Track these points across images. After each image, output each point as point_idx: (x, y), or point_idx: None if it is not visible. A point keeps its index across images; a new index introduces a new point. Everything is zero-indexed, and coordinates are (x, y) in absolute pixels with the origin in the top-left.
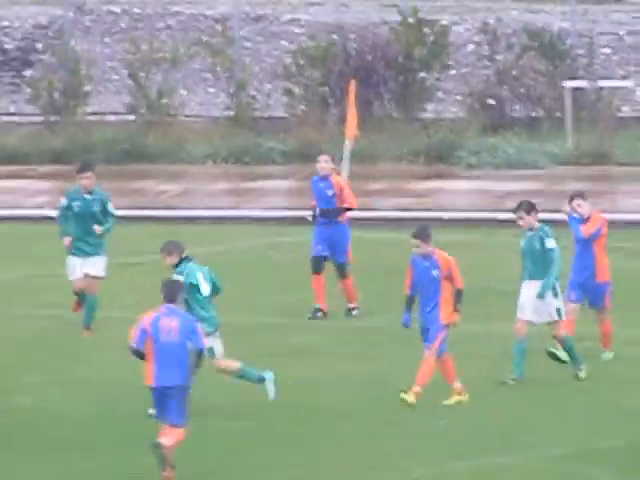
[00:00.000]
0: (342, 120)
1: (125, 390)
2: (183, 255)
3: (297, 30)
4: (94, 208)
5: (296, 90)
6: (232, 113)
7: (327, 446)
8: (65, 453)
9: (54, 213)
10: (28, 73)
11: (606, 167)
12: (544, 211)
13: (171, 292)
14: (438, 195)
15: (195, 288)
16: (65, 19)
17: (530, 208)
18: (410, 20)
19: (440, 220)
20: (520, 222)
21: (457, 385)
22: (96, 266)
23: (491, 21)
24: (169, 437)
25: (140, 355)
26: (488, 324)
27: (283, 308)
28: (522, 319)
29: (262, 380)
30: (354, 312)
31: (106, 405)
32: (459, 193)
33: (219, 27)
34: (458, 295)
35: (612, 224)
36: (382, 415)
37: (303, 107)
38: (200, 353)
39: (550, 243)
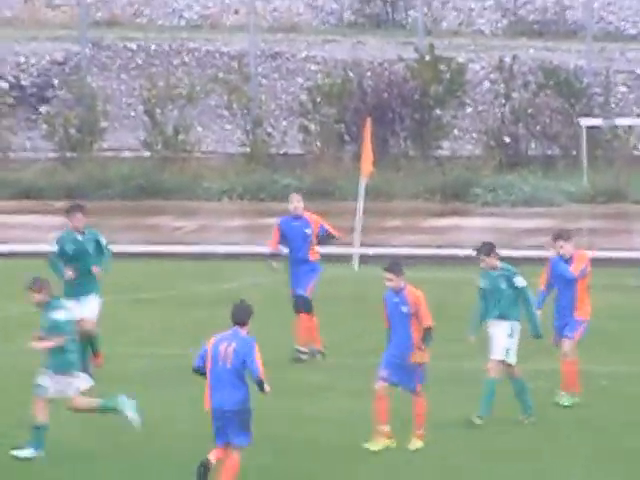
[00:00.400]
0: (358, 157)
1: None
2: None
3: (313, 67)
4: (89, 247)
5: (312, 127)
6: (248, 150)
7: None
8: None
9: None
10: (44, 109)
11: (622, 205)
12: None
13: (239, 315)
14: (454, 232)
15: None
16: (82, 55)
17: (490, 249)
18: (426, 57)
19: (455, 258)
20: (482, 264)
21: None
22: (91, 306)
23: (507, 59)
24: (227, 467)
25: (200, 374)
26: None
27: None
28: (494, 359)
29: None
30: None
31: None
32: (475, 230)
33: (235, 64)
34: (426, 333)
35: (628, 262)
36: (397, 454)
37: (319, 144)
38: (256, 378)
39: (519, 281)
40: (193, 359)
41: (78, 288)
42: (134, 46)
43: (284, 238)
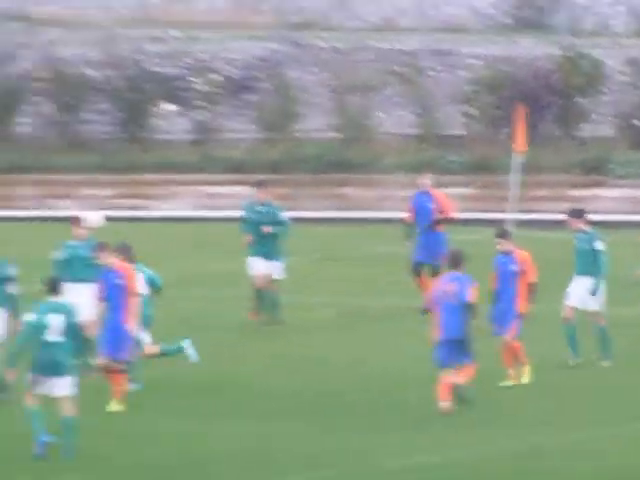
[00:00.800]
0: (512, 137)
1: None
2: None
3: (474, 62)
4: (266, 219)
5: (473, 112)
6: (420, 131)
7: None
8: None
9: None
10: (249, 97)
11: None
12: None
13: (454, 260)
14: (593, 201)
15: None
16: (281, 52)
17: (579, 214)
18: (569, 54)
19: (595, 223)
20: (572, 227)
21: (515, 371)
22: (276, 269)
23: (637, 55)
24: (461, 375)
25: (428, 312)
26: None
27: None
28: (569, 305)
29: (181, 350)
30: None
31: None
32: (611, 200)
33: (409, 59)
34: (531, 288)
35: None
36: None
37: (479, 126)
38: (468, 306)
39: (598, 245)
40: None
41: (261, 249)
42: (324, 44)
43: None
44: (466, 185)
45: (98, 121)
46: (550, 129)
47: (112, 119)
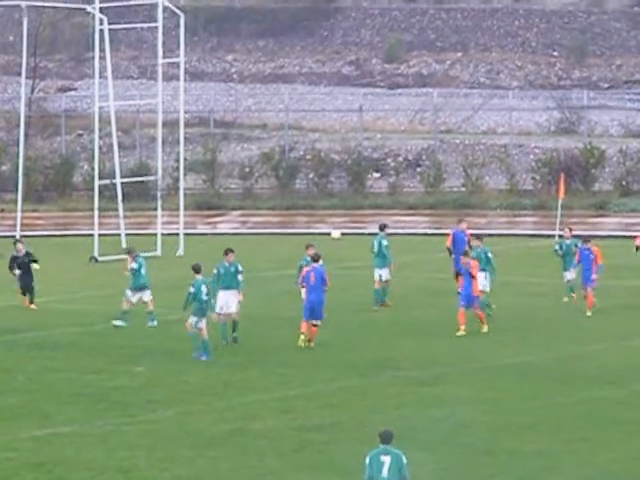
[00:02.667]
0: (557, 191)
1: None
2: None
3: (538, 151)
4: None
5: (538, 177)
6: (509, 187)
7: None
8: None
9: None
10: (419, 169)
11: None
12: None
13: None
14: (599, 225)
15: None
16: (434, 146)
17: (478, 236)
18: (587, 147)
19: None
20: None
21: None
22: None
23: (624, 148)
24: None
25: None
26: None
27: None
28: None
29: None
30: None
31: None
32: (610, 224)
33: (502, 149)
34: (599, 267)
35: None
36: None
37: (542, 185)
38: None
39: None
40: None
41: None
42: (458, 141)
43: None
44: (533, 216)
45: (337, 182)
46: (577, 186)
47: (345, 182)
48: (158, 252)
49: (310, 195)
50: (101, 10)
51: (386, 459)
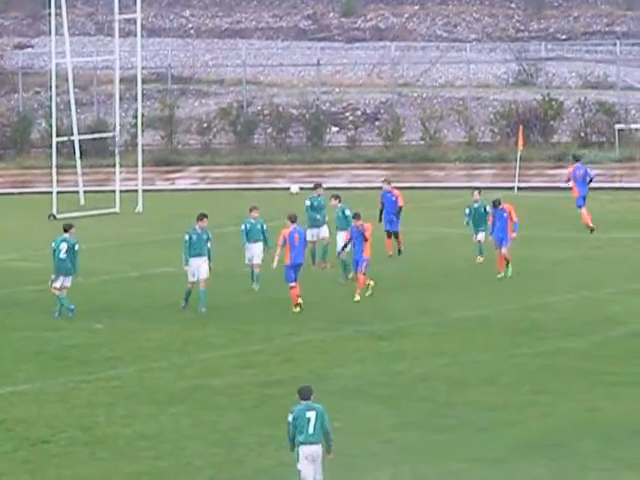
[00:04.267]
0: (516, 142)
1: None
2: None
3: (496, 103)
4: None
5: (496, 129)
6: (467, 140)
7: None
8: None
9: None
10: (377, 123)
11: None
12: None
13: None
14: (558, 176)
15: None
16: (392, 99)
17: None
18: (546, 99)
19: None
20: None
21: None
22: None
23: (582, 99)
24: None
25: None
26: None
27: None
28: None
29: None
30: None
31: None
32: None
33: (461, 102)
34: (515, 225)
35: None
36: None
37: (499, 137)
38: None
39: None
40: None
41: None
42: (415, 94)
43: None
44: (492, 168)
45: (296, 137)
46: (536, 138)
47: (303, 136)
48: (117, 209)
49: (268, 150)
50: None
51: (311, 415)
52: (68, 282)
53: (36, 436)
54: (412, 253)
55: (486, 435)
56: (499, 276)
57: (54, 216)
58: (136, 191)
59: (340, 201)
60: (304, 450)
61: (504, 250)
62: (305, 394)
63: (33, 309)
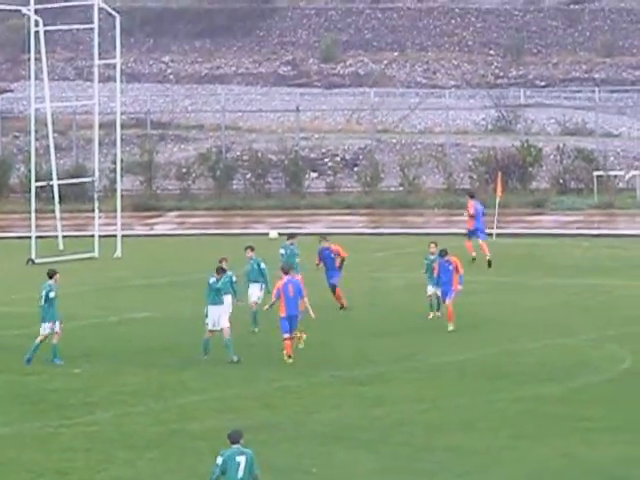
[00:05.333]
0: (495, 188)
1: None
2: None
3: (475, 150)
4: None
5: (475, 176)
6: (447, 186)
7: None
8: None
9: None
10: (357, 169)
11: None
12: None
13: None
14: (537, 222)
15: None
16: (372, 145)
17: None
18: (525, 145)
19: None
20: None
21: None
22: None
23: (561, 146)
24: None
25: None
26: None
27: None
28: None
29: None
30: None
31: None
32: (547, 221)
33: (439, 148)
34: (460, 276)
35: None
36: None
37: (479, 183)
38: None
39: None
40: None
41: None
42: (395, 140)
43: None
44: None
45: (274, 183)
46: (514, 184)
47: (282, 182)
48: (96, 254)
49: (247, 195)
50: (36, 12)
51: (241, 459)
52: (57, 327)
53: None
54: (391, 299)
55: None
56: (450, 328)
57: (33, 261)
58: (115, 236)
59: (254, 252)
60: None
61: (448, 301)
62: (234, 438)
63: (12, 353)
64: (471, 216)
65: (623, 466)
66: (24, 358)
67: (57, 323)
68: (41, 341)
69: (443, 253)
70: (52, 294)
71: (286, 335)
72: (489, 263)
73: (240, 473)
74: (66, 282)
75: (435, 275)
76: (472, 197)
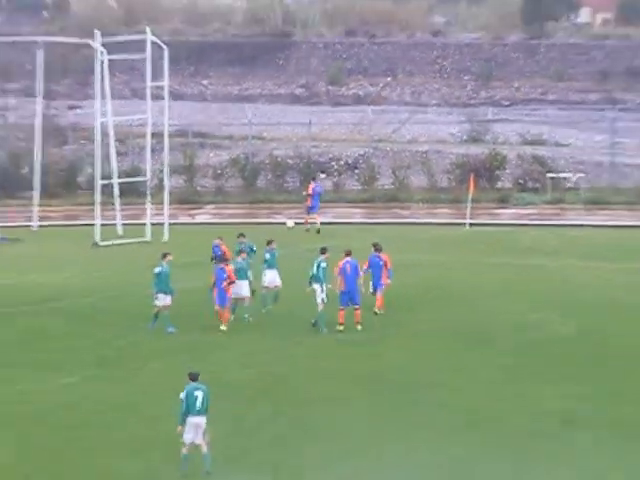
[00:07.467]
0: (467, 187)
1: None
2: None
3: (452, 156)
4: None
5: (452, 177)
6: (429, 186)
7: None
8: None
9: None
10: (357, 171)
11: None
12: None
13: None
14: (500, 216)
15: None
16: (369, 152)
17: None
18: (492, 153)
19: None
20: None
21: None
22: None
23: (521, 153)
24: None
25: None
26: None
27: None
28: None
29: None
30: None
31: None
32: (509, 215)
33: (424, 155)
34: (389, 270)
35: None
36: None
37: (455, 183)
38: None
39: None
40: None
41: None
42: (388, 148)
43: None
44: (449, 208)
45: (291, 182)
46: (484, 184)
47: (297, 181)
48: (148, 238)
49: (269, 192)
50: (102, 44)
51: (199, 393)
52: (168, 300)
53: None
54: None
55: None
56: (377, 312)
57: (97, 244)
58: (163, 224)
59: (274, 244)
60: (191, 420)
61: (379, 294)
62: (194, 377)
63: (102, 315)
64: (309, 195)
65: (565, 402)
66: (147, 325)
67: (168, 296)
68: (158, 311)
69: (378, 247)
70: (157, 270)
71: (346, 308)
72: (318, 230)
73: (198, 404)
74: (125, 260)
75: (365, 268)
76: (313, 179)
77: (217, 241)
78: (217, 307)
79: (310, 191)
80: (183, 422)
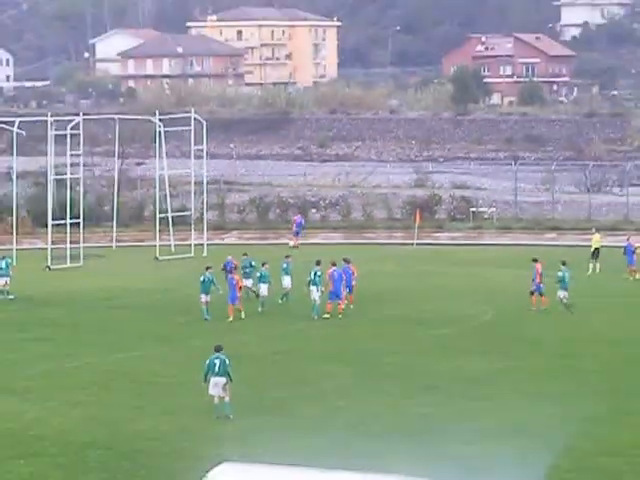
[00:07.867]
0: (414, 218)
1: None
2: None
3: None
4: None
5: (400, 214)
6: (389, 216)
7: None
8: None
9: None
10: None
11: None
12: None
13: None
14: (437, 238)
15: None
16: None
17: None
18: (432, 195)
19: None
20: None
21: None
22: None
23: (465, 195)
24: None
25: None
26: None
27: None
28: None
29: None
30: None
31: None
32: (443, 237)
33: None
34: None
35: None
36: None
37: (405, 216)
38: None
39: None
40: None
41: None
42: None
43: None
44: (402, 232)
45: (292, 215)
46: (426, 215)
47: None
48: (192, 254)
49: (276, 222)
50: (159, 120)
51: (217, 361)
52: (208, 298)
53: None
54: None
55: None
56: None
57: (157, 258)
58: (203, 244)
59: (290, 258)
60: (212, 380)
61: (350, 295)
62: (217, 348)
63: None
64: (294, 223)
65: (489, 375)
66: (203, 317)
67: (208, 296)
68: (204, 306)
69: (347, 261)
70: (202, 278)
71: (329, 301)
72: (293, 247)
73: (216, 369)
74: (177, 269)
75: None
76: (300, 214)
77: (230, 257)
78: (230, 304)
79: (294, 221)
80: (206, 380)
